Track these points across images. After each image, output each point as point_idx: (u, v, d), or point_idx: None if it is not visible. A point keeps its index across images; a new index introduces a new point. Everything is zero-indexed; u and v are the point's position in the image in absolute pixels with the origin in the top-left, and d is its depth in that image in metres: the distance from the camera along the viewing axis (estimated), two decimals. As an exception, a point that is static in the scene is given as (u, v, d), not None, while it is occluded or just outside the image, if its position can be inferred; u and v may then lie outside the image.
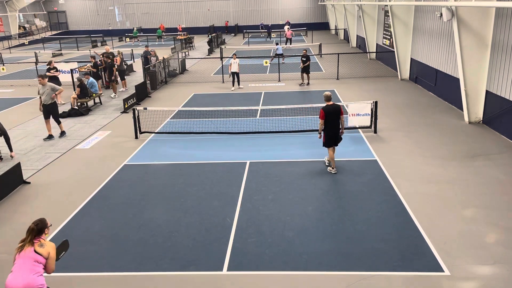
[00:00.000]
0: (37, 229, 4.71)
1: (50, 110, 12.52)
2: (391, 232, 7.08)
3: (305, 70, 19.39)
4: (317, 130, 9.47)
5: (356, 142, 11.55)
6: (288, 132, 12.45)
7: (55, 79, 17.12)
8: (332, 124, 9.32)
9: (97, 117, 15.17)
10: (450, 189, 8.60)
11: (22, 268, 4.57)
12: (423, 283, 5.83)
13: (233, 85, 19.37)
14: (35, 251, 4.62)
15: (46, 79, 12.46)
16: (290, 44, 35.25)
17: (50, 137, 12.78)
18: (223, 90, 19.35)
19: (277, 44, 26.83)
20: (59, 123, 12.93)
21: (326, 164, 9.99)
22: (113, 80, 18.81)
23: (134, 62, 27.56)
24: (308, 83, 19.64)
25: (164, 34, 46.79)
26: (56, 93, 12.43)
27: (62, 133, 13.04)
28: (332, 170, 9.65)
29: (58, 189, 9.28)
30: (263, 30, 50.46)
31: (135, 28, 48.90)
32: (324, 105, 9.40)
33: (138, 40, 45.95)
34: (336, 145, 9.57)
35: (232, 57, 18.91)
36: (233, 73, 19.02)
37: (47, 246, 4.70)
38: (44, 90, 12.28)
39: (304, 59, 18.97)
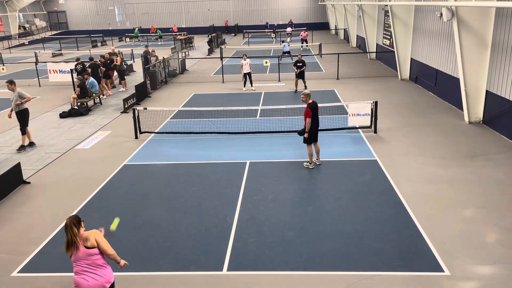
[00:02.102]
0: (76, 221, 4.65)
1: (17, 118, 11.61)
2: (391, 232, 7.08)
3: (300, 76, 17.92)
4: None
5: (356, 142, 11.55)
6: (288, 132, 12.45)
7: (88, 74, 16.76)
8: (315, 121, 9.64)
9: (97, 117, 15.17)
10: (450, 189, 8.60)
11: (86, 269, 4.65)
12: (423, 283, 5.83)
13: (244, 86, 19.04)
14: (86, 247, 4.64)
15: (14, 85, 11.43)
16: (306, 43, 33.56)
17: (22, 147, 11.83)
18: (223, 90, 19.35)
19: (282, 41, 26.40)
20: (23, 133, 11.70)
21: (308, 166, 10.03)
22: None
23: (134, 62, 27.57)
24: (305, 88, 18.47)
25: (162, 34, 46.78)
26: (22, 101, 11.39)
27: (21, 147, 11.76)
28: (309, 165, 9.92)
29: (58, 189, 9.29)
30: (268, 30, 50.34)
31: (136, 29, 48.89)
32: (306, 104, 9.60)
33: (138, 40, 45.96)
34: (316, 140, 9.87)
35: (242, 58, 18.52)
36: (245, 74, 18.67)
37: (90, 236, 4.70)
38: (13, 97, 11.44)
39: (300, 64, 17.75)
